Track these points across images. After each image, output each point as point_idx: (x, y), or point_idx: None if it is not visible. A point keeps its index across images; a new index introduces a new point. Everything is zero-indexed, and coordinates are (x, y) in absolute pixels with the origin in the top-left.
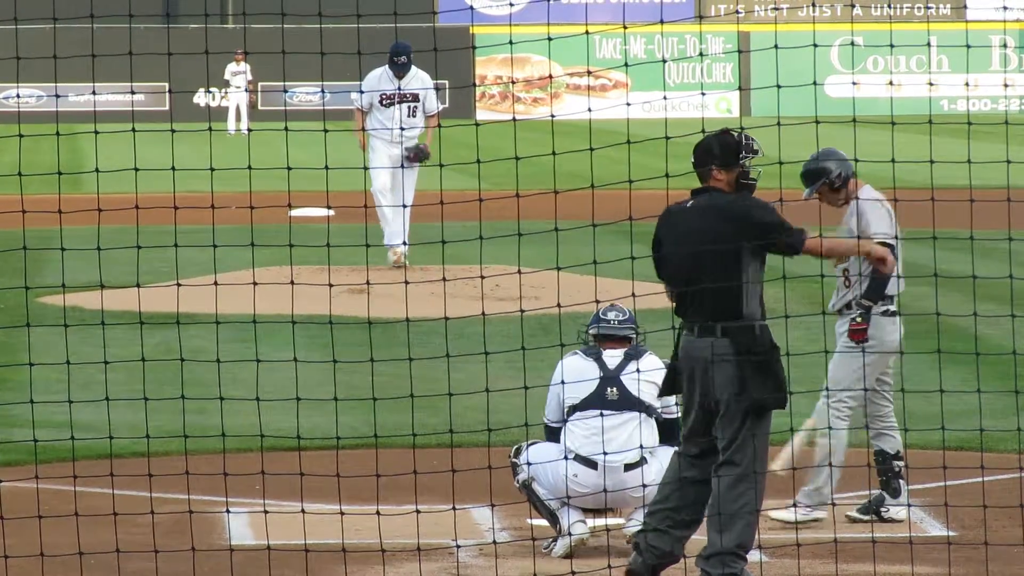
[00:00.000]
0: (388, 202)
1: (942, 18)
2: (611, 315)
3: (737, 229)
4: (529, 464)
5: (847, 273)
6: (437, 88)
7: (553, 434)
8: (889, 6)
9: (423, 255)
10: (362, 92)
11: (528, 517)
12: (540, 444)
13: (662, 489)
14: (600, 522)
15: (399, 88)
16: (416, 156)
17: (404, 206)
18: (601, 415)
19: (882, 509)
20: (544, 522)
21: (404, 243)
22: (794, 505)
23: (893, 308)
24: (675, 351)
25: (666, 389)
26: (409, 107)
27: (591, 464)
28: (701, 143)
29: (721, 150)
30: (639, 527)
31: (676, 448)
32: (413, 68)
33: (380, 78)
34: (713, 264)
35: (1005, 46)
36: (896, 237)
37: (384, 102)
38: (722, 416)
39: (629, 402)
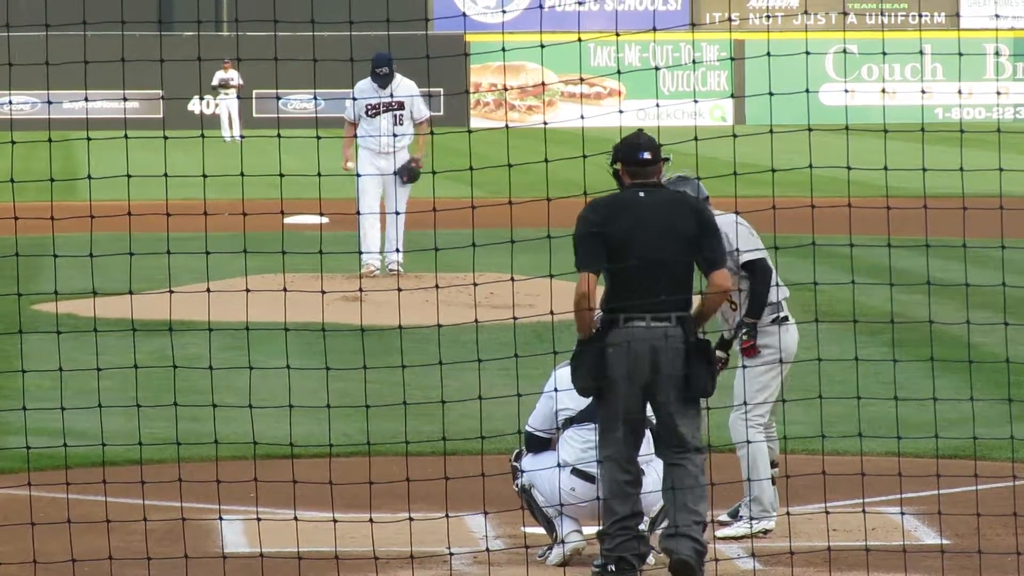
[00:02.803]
0: (374, 220)
1: (936, 26)
2: None
3: (700, 228)
4: (523, 472)
5: (730, 297)
6: (430, 95)
7: (537, 443)
8: (882, 14)
9: (416, 263)
10: (355, 99)
11: (522, 525)
12: (540, 453)
13: (621, 500)
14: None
15: (381, 97)
16: (409, 176)
17: (396, 213)
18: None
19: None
20: (539, 530)
21: (398, 250)
22: (739, 518)
23: (783, 314)
24: (601, 338)
25: (594, 381)
26: (395, 116)
27: (589, 478)
28: (649, 139)
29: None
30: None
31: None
32: (398, 76)
33: (366, 89)
34: (681, 256)
35: (998, 54)
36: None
37: (370, 112)
38: (676, 409)
39: None
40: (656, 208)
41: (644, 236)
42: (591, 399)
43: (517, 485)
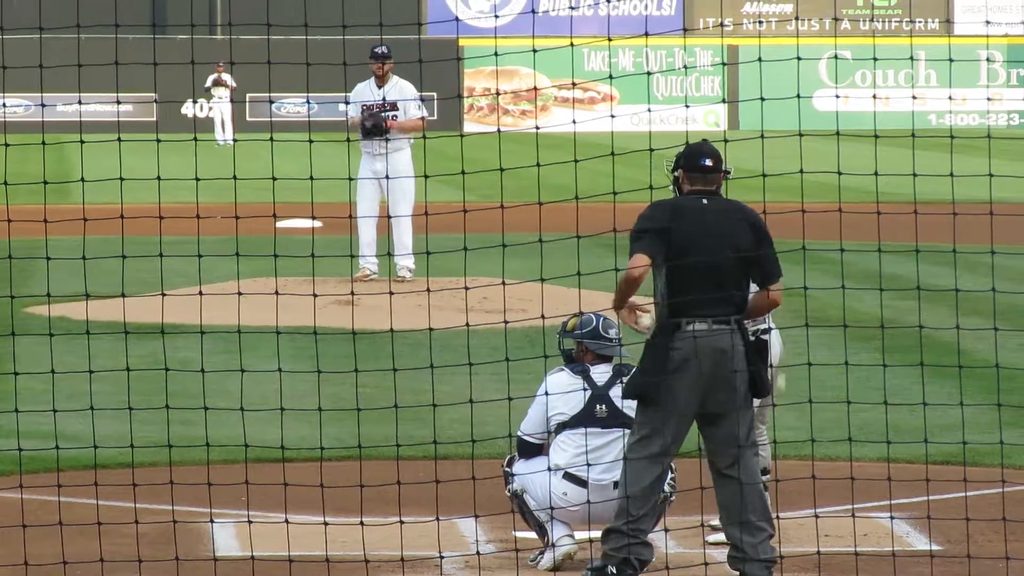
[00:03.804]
0: (368, 224)
1: (930, 32)
2: (612, 332)
3: (758, 240)
4: (514, 475)
5: None
6: (423, 99)
7: (529, 448)
8: (872, 19)
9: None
10: (348, 103)
11: (513, 529)
12: (532, 458)
13: (641, 502)
14: (586, 535)
15: (375, 99)
16: (373, 122)
17: (390, 217)
18: (585, 433)
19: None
20: (531, 534)
21: (390, 254)
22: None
23: (764, 326)
24: (667, 340)
25: (653, 382)
26: (389, 117)
27: (581, 483)
28: (712, 148)
29: (721, 159)
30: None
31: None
32: (395, 78)
33: (362, 90)
34: (738, 263)
35: (989, 60)
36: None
37: (364, 114)
38: (738, 407)
39: (617, 419)
40: (717, 216)
41: (705, 241)
42: (584, 405)
43: (509, 490)
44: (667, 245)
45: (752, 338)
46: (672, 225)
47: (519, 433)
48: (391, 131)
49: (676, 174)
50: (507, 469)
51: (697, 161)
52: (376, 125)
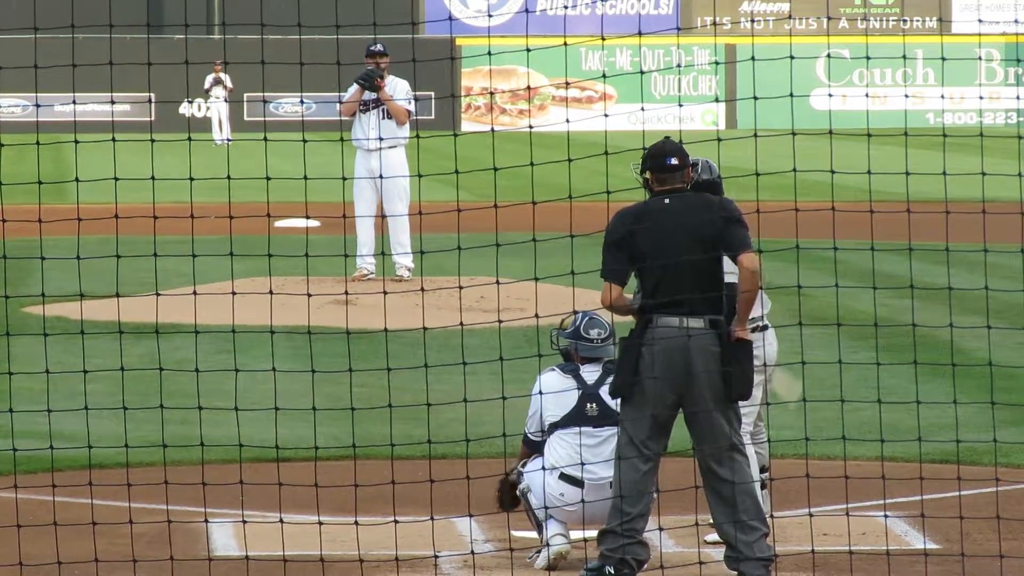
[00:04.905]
0: (365, 224)
1: (927, 31)
2: (593, 333)
3: (724, 223)
4: (523, 474)
5: None
6: (418, 99)
7: (536, 446)
8: (866, 19)
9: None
10: (342, 102)
11: (508, 528)
12: (539, 458)
13: (634, 500)
14: (580, 535)
15: (371, 94)
16: (366, 77)
17: (383, 216)
18: (579, 433)
19: None
20: (528, 533)
21: (389, 254)
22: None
23: (763, 324)
24: (638, 339)
25: (626, 380)
26: (382, 111)
27: (578, 483)
28: (675, 145)
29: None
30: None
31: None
32: (391, 77)
33: (358, 87)
34: (708, 259)
35: (983, 59)
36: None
37: (360, 108)
38: (714, 407)
39: (609, 418)
40: (681, 214)
41: (670, 242)
42: (574, 405)
43: (519, 491)
44: (629, 255)
45: (733, 339)
46: (634, 233)
47: (526, 431)
48: (381, 93)
49: (645, 176)
50: (520, 468)
51: (663, 161)
52: (370, 76)
